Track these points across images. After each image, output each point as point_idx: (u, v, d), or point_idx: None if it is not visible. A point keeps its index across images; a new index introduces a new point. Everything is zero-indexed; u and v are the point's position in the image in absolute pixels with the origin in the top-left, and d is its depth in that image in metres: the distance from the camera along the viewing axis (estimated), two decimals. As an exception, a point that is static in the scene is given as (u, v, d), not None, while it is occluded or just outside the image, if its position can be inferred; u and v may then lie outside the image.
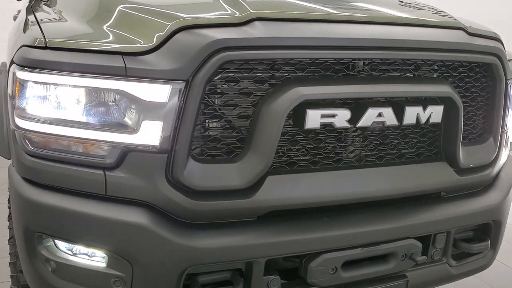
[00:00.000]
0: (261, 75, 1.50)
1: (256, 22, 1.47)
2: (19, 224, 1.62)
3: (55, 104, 1.49)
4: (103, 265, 1.54)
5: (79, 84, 1.46)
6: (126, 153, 1.46)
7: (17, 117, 1.56)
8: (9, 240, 2.03)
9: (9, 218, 2.01)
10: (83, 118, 1.48)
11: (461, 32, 1.75)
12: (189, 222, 1.52)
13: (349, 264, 1.67)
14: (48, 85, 1.49)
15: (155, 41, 1.43)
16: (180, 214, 1.50)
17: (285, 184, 1.56)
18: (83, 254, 1.58)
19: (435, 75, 1.76)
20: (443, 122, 1.74)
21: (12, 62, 1.60)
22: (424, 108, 1.66)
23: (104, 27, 1.58)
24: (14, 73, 1.56)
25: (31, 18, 1.80)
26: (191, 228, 1.51)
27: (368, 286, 1.72)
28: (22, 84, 1.53)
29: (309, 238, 1.58)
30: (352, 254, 1.65)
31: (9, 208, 1.97)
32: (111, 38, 1.51)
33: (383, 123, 1.61)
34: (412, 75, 1.70)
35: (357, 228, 1.65)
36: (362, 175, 1.68)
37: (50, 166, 1.54)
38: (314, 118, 1.52)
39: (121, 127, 1.45)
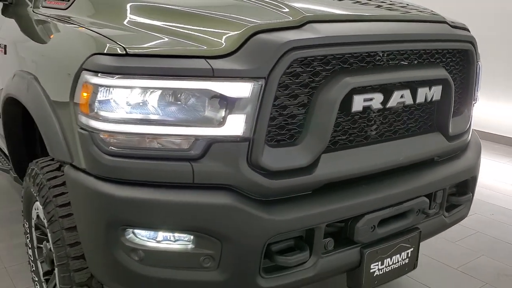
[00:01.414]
0: (315, 69, 1.77)
1: (311, 24, 1.75)
2: (99, 221, 1.75)
3: (143, 106, 1.65)
4: (191, 246, 1.73)
5: (166, 86, 1.64)
6: (210, 144, 1.67)
7: (94, 120, 1.69)
8: (55, 242, 2.09)
9: (51, 222, 2.08)
10: (170, 117, 1.66)
11: (446, 25, 2.16)
12: (263, 199, 1.75)
13: (381, 222, 2.01)
14: (134, 89, 1.64)
15: (234, 44, 1.65)
16: (258, 193, 1.73)
17: (334, 160, 1.86)
18: (167, 240, 1.75)
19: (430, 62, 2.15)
20: (440, 99, 2.14)
21: (81, 70, 1.71)
22: (430, 89, 2.04)
23: (173, 33, 1.76)
24: (87, 80, 1.68)
25: (71, 27, 1.91)
26: (267, 205, 1.75)
27: (394, 239, 2.07)
28: (102, 89, 1.66)
29: (356, 203, 1.90)
30: (385, 213, 1.99)
31: (51, 210, 2.05)
32: (187, 43, 1.70)
33: (403, 103, 1.97)
34: (418, 62, 2.07)
35: (387, 191, 1.99)
36: (384, 148, 2.02)
37: (135, 163, 1.69)
38: (358, 103, 1.83)
39: (208, 122, 1.65)
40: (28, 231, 2.56)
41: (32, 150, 2.72)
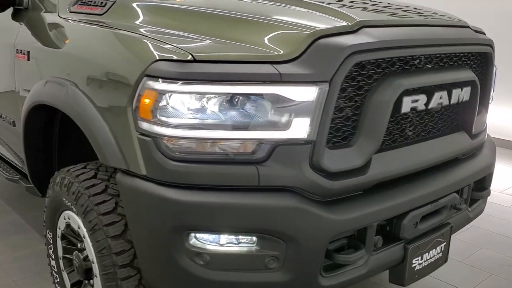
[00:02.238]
0: (369, 72, 1.84)
1: (365, 29, 1.82)
2: (163, 227, 1.75)
3: (210, 111, 1.67)
4: (256, 247, 1.76)
5: (234, 92, 1.66)
6: (275, 147, 1.70)
7: (158, 125, 1.69)
8: (99, 252, 2.06)
9: (94, 230, 2.05)
10: (236, 121, 1.68)
11: (469, 30, 2.28)
12: (322, 200, 1.80)
13: (422, 218, 2.09)
14: (201, 95, 1.66)
15: (298, 49, 1.69)
16: (320, 194, 1.77)
17: (383, 160, 1.93)
18: (230, 243, 1.77)
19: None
20: (468, 100, 2.25)
21: (143, 76, 1.71)
22: (461, 90, 2.15)
23: (233, 39, 1.78)
24: (150, 86, 1.69)
25: (124, 33, 1.90)
26: (328, 205, 1.80)
27: (431, 234, 2.16)
28: (168, 95, 1.67)
29: (404, 201, 1.97)
30: (426, 210, 2.08)
31: (93, 219, 2.03)
32: (250, 49, 1.73)
33: (441, 103, 2.07)
34: (452, 64, 2.18)
35: (427, 189, 2.08)
36: (421, 148, 2.12)
37: (201, 168, 1.71)
38: (407, 104, 1.91)
39: (274, 125, 1.68)
40: (51, 242, 2.51)
41: (48, 159, 2.66)
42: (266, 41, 1.76)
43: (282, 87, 1.66)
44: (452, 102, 2.12)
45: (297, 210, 1.72)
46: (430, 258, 2.18)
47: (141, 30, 1.94)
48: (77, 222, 2.20)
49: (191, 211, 1.72)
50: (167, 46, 1.74)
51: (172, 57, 1.68)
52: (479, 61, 2.35)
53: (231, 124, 1.68)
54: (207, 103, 1.67)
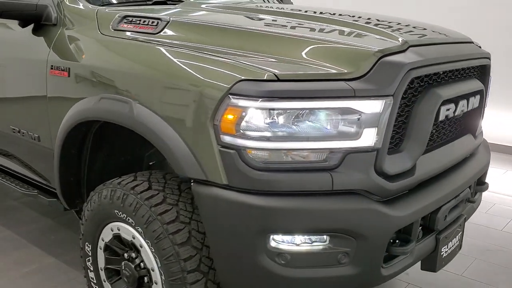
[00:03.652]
0: (415, 85, 2.09)
1: (411, 48, 2.08)
2: (247, 231, 1.91)
3: (289, 125, 1.86)
4: (329, 245, 1.96)
5: (311, 107, 1.86)
6: (346, 155, 1.91)
7: (242, 139, 1.86)
8: (166, 259, 2.16)
9: (159, 239, 2.15)
10: (313, 133, 1.88)
11: (473, 44, 2.61)
12: (383, 200, 2.03)
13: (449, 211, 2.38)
14: (283, 110, 1.84)
15: (366, 67, 1.91)
16: (382, 195, 2.00)
17: (424, 162, 2.19)
18: (306, 242, 1.97)
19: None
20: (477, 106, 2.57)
21: (227, 94, 1.87)
22: (475, 98, 2.47)
23: (300, 58, 1.97)
24: (234, 103, 1.85)
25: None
26: (388, 204, 2.03)
27: (453, 225, 2.45)
28: (252, 111, 1.84)
29: (441, 196, 2.24)
30: (453, 204, 2.37)
31: (157, 228, 2.14)
32: (320, 67, 1.93)
33: (463, 110, 2.37)
34: (466, 76, 2.48)
35: (453, 185, 2.37)
36: (447, 149, 2.41)
37: (281, 176, 1.89)
38: (443, 112, 2.19)
39: (346, 135, 1.89)
40: (89, 254, 2.56)
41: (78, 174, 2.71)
42: (331, 60, 1.97)
43: (354, 101, 1.88)
44: (468, 109, 2.43)
45: (368, 211, 1.94)
46: (452, 246, 2.48)
47: (210, 50, 2.08)
48: (131, 233, 2.29)
49: (274, 215, 1.89)
50: (248, 67, 1.90)
51: (257, 77, 1.85)
52: (481, 72, 2.69)
53: (308, 135, 1.87)
54: (287, 117, 1.85)
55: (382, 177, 1.98)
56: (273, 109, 1.84)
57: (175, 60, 2.09)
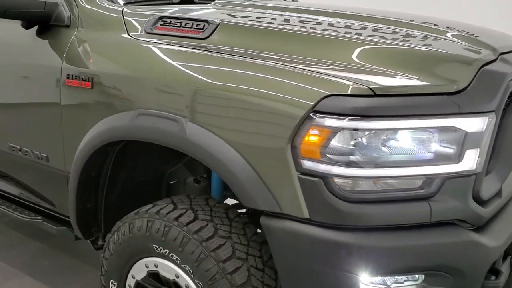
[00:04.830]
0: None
1: (501, 56, 1.83)
2: (331, 271, 1.64)
3: (386, 147, 1.58)
4: (423, 284, 1.70)
5: (412, 126, 1.58)
6: (445, 181, 1.65)
7: (328, 164, 1.57)
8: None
9: (214, 280, 1.83)
10: (412, 156, 1.60)
11: None
12: (474, 228, 1.78)
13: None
14: (379, 130, 1.56)
15: (467, 79, 1.65)
16: (475, 223, 1.74)
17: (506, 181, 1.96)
18: (398, 282, 1.69)
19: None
20: None
21: (311, 112, 1.57)
22: None
23: (391, 69, 1.69)
24: (321, 123, 1.56)
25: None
26: (481, 233, 1.78)
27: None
28: (343, 132, 1.56)
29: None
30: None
31: (211, 267, 1.82)
32: (418, 79, 1.65)
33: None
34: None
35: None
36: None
37: (374, 208, 1.61)
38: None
39: (447, 158, 1.63)
40: (116, 291, 2.21)
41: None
42: (425, 70, 1.69)
43: (458, 119, 1.61)
44: None
45: (468, 243, 1.68)
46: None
47: (277, 60, 1.76)
48: (174, 271, 1.96)
49: (365, 255, 1.61)
50: (334, 79, 1.61)
51: (348, 91, 1.56)
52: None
53: (408, 160, 1.60)
54: (384, 138, 1.57)
55: (478, 204, 1.74)
56: (368, 130, 1.56)
57: (238, 71, 1.76)
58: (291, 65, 1.72)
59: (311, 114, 1.58)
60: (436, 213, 1.65)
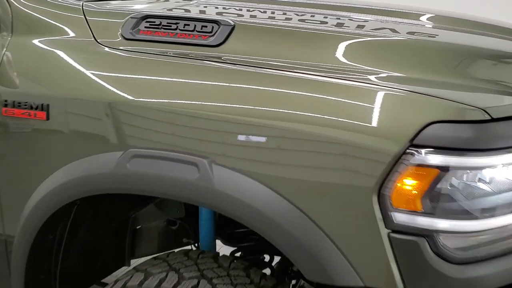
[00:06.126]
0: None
1: None
2: None
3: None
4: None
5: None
6: None
7: (433, 217, 1.15)
8: None
9: None
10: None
11: None
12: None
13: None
14: (506, 166, 1.15)
15: None
16: None
17: None
18: None
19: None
20: None
21: (407, 146, 1.12)
22: None
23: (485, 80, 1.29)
24: (423, 160, 1.13)
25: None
26: None
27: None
28: (456, 172, 1.13)
29: None
30: None
31: None
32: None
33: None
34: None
35: None
36: None
37: (489, 266, 1.20)
38: None
39: None
40: None
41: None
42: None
43: None
44: None
45: None
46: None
47: (333, 71, 1.27)
48: None
49: None
50: (437, 99, 1.16)
51: (460, 116, 1.13)
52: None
53: None
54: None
55: None
56: (487, 168, 1.14)
57: (285, 91, 1.25)
58: (362, 81, 1.24)
59: (408, 150, 1.13)
60: None
